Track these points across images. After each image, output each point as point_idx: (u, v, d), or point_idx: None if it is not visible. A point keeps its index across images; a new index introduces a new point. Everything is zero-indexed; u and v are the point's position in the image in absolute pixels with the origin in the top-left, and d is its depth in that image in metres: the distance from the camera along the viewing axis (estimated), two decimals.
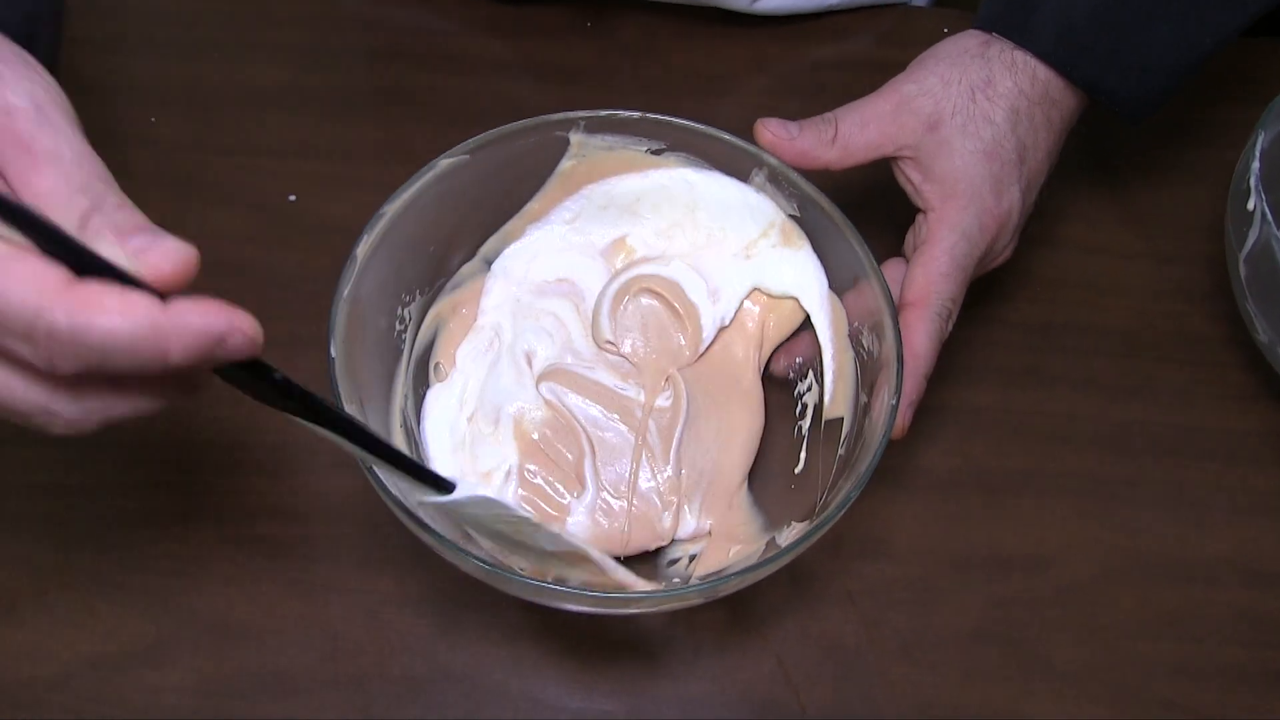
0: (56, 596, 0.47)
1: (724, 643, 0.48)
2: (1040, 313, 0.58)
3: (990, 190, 0.47)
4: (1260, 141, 0.50)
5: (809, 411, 0.50)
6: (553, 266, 0.52)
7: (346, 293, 0.44)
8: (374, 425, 0.44)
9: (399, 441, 0.46)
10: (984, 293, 0.57)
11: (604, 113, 0.49)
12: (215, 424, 0.52)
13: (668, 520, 0.48)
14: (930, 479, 0.52)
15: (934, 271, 0.46)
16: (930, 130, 0.47)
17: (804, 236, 0.50)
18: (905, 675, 0.47)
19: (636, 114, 0.49)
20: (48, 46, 0.45)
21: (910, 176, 0.48)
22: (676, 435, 0.49)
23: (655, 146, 0.50)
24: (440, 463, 0.48)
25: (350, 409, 0.42)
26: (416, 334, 0.50)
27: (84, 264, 0.28)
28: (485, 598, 0.48)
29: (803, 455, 0.49)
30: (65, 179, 0.30)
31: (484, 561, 0.40)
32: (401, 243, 0.47)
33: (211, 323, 0.29)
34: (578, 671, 0.47)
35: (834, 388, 0.48)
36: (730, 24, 0.66)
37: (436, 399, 0.50)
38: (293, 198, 0.58)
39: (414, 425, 0.49)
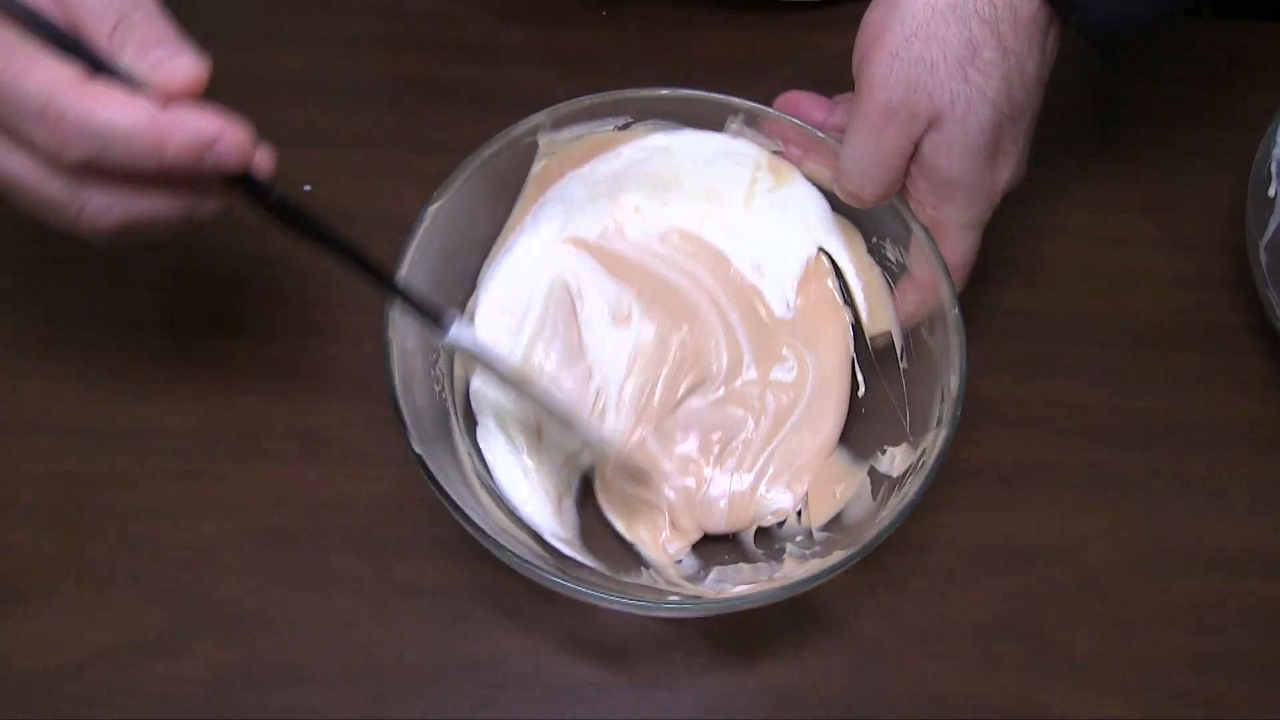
0: (69, 587, 0.47)
1: (741, 633, 0.48)
2: (1056, 302, 0.57)
3: (989, 171, 0.46)
4: None
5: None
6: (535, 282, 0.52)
7: (398, 381, 0.43)
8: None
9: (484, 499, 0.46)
10: (998, 282, 0.57)
11: (564, 105, 0.49)
12: (227, 414, 0.51)
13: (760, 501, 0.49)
14: (946, 470, 0.51)
15: (948, 265, 0.47)
16: (933, 128, 0.44)
17: (794, 168, 0.50)
18: (923, 666, 0.47)
19: (596, 97, 0.49)
20: None
21: (909, 168, 0.46)
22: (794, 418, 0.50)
23: (622, 122, 0.50)
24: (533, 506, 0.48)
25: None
26: (453, 388, 0.50)
27: (101, 69, 0.33)
28: (500, 588, 0.48)
29: (860, 378, 0.51)
30: None
31: (521, 556, 0.41)
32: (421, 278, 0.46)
33: (205, 126, 0.34)
34: (593, 663, 0.47)
35: (869, 305, 0.50)
36: (750, 11, 0.65)
37: (489, 448, 0.49)
38: (308, 186, 0.58)
39: (489, 480, 0.48)
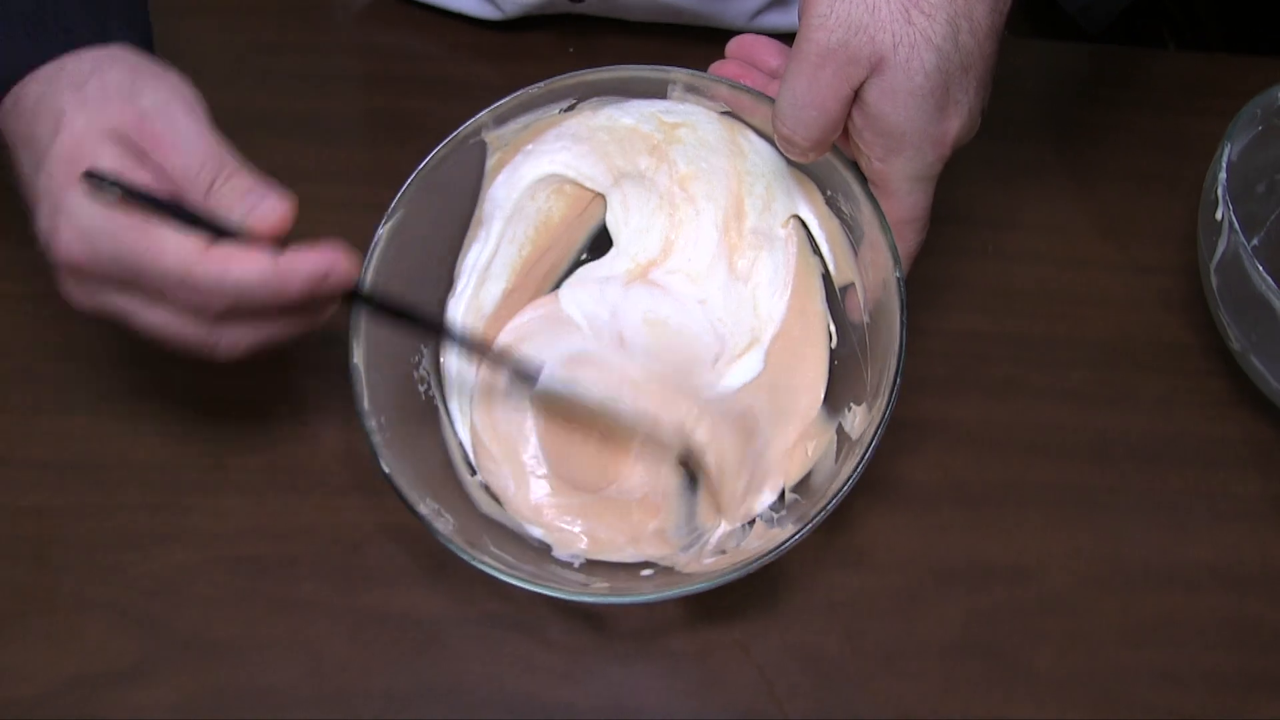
0: (39, 618, 0.47)
1: (705, 653, 0.48)
2: (1019, 325, 0.58)
3: (937, 120, 0.44)
4: (1228, 152, 0.51)
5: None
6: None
7: (367, 406, 0.45)
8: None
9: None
10: (963, 307, 0.58)
11: (504, 101, 0.50)
12: (197, 445, 0.52)
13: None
14: (911, 491, 0.52)
15: (896, 221, 0.46)
16: (876, 73, 0.43)
17: (744, 126, 0.51)
18: (887, 685, 0.47)
19: (536, 87, 0.50)
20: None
21: (853, 118, 0.45)
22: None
23: (566, 105, 0.52)
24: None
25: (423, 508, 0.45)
26: (440, 383, 0.52)
27: (212, 228, 0.40)
28: (466, 615, 0.48)
29: (831, 328, 0.52)
30: (189, 162, 0.42)
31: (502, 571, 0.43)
32: (383, 319, 0.48)
33: (315, 265, 0.41)
34: (558, 687, 0.47)
35: (833, 255, 0.51)
36: (721, 43, 0.67)
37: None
38: (295, 198, 0.59)
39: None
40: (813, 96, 0.44)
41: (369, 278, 0.47)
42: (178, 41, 0.66)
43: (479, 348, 0.51)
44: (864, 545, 0.51)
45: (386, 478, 0.44)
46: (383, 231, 0.48)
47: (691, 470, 0.50)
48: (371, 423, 0.45)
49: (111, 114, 0.41)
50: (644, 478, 0.51)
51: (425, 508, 0.44)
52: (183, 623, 0.48)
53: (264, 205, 0.42)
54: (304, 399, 0.54)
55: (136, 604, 0.48)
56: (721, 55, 0.52)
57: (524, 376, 0.51)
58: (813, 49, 0.43)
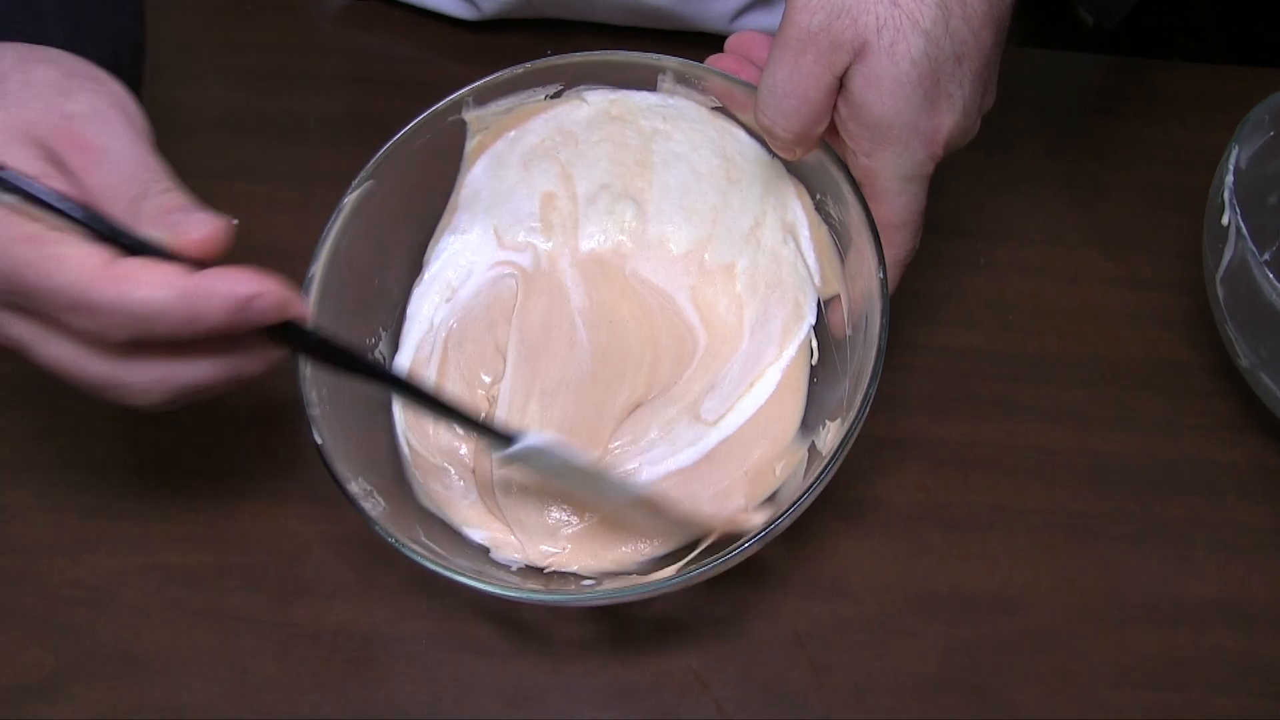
0: None
1: (660, 685, 0.44)
2: (1012, 341, 0.55)
3: (926, 113, 0.41)
4: (1235, 155, 0.48)
5: None
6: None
7: (309, 373, 0.42)
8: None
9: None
10: (953, 321, 0.55)
11: (486, 81, 0.48)
12: (134, 448, 0.49)
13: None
14: (889, 513, 0.49)
15: (886, 224, 0.43)
16: (859, 59, 0.40)
17: (735, 124, 0.48)
18: None
19: (521, 68, 0.48)
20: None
21: (838, 109, 0.42)
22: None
23: (553, 90, 0.49)
24: None
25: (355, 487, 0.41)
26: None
27: (126, 244, 0.33)
28: (402, 634, 0.45)
29: (813, 345, 0.48)
30: (116, 172, 0.35)
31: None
32: (341, 296, 0.46)
33: (236, 287, 0.33)
34: (499, 716, 0.44)
35: (819, 265, 0.47)
36: (702, 46, 0.64)
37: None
38: (235, 221, 0.57)
39: None
40: (794, 84, 0.41)
41: (327, 247, 0.44)
42: (152, 39, 0.65)
43: (443, 409, 0.41)
44: (835, 571, 0.47)
45: (317, 449, 0.41)
46: (347, 201, 0.46)
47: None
48: (312, 393, 0.41)
49: (31, 114, 0.36)
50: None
51: (356, 487, 0.40)
52: (105, 634, 0.45)
53: (191, 219, 0.34)
54: (251, 401, 0.51)
55: (57, 613, 0.45)
56: (701, 59, 0.50)
57: (495, 442, 0.42)
58: (793, 33, 0.40)
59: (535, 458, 0.42)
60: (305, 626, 0.45)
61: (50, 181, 0.34)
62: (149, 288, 0.32)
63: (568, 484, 0.45)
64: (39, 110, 0.36)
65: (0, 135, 0.35)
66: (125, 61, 0.46)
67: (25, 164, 0.35)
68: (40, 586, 0.46)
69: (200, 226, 0.34)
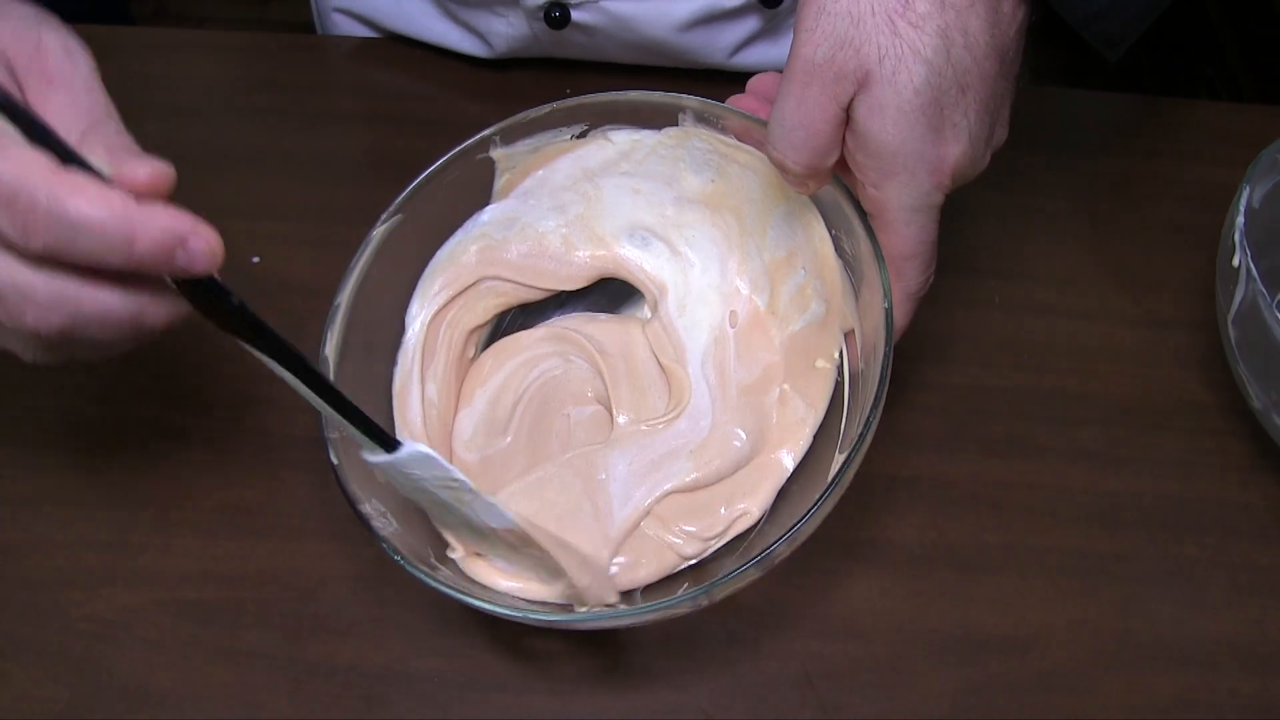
0: None
1: None
2: (1025, 380, 0.54)
3: (931, 143, 0.41)
4: (1246, 196, 0.48)
5: None
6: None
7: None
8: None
9: None
10: (966, 360, 0.55)
11: (513, 120, 0.49)
12: (154, 484, 0.50)
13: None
14: (900, 554, 0.49)
15: (896, 256, 0.43)
16: (863, 89, 0.40)
17: (752, 151, 0.49)
18: None
19: (546, 108, 0.49)
20: None
21: (846, 141, 0.42)
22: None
23: (578, 130, 0.50)
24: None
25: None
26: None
27: (71, 161, 0.32)
28: (414, 672, 0.45)
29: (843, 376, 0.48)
30: (74, 103, 0.36)
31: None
32: (366, 326, 0.47)
33: (176, 223, 0.33)
34: None
35: (831, 301, 0.47)
36: (709, 83, 0.65)
37: None
38: (256, 259, 0.58)
39: None
40: (800, 116, 0.41)
41: (354, 278, 0.46)
42: (170, 77, 0.67)
43: (338, 401, 0.38)
44: (846, 612, 0.47)
45: (333, 470, 0.41)
46: (375, 234, 0.47)
47: None
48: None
49: (2, 34, 0.37)
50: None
51: (369, 508, 0.41)
52: (119, 669, 0.45)
53: (141, 160, 0.34)
54: (267, 439, 0.52)
55: (73, 647, 0.46)
56: (711, 97, 0.50)
57: (376, 446, 0.39)
58: (799, 65, 0.41)
59: (413, 467, 0.40)
60: (318, 663, 0.45)
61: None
62: (91, 199, 0.32)
63: (438, 501, 0.42)
64: (8, 31, 0.37)
65: None
66: None
67: None
68: (57, 621, 0.46)
69: (144, 167, 0.34)
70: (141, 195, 0.33)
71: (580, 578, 0.42)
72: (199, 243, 0.33)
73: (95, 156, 0.34)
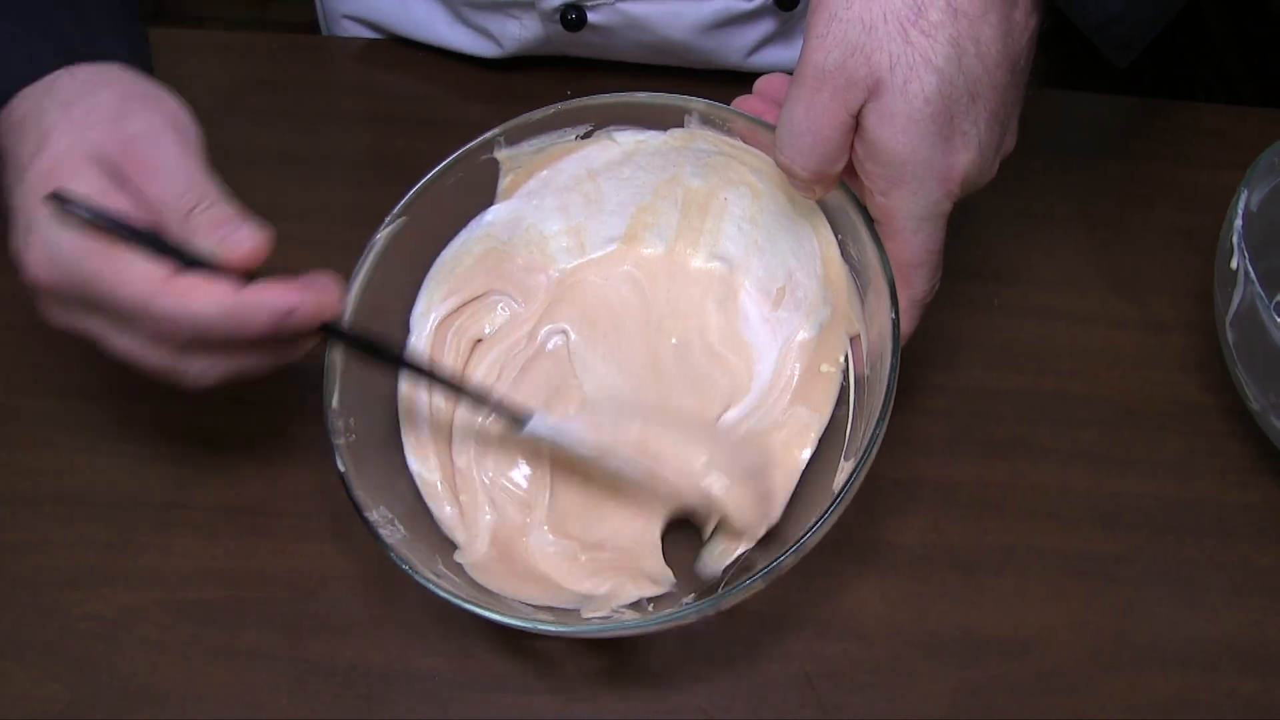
0: None
1: None
2: (1025, 382, 0.55)
3: (941, 151, 0.41)
4: (1244, 199, 0.48)
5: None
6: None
7: (336, 404, 0.44)
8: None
9: None
10: (967, 363, 0.55)
11: (517, 121, 0.49)
12: (156, 483, 0.50)
13: None
14: (901, 555, 0.49)
15: (903, 264, 0.43)
16: (873, 96, 0.40)
17: (758, 154, 0.49)
18: None
19: (551, 109, 0.49)
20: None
21: (855, 148, 0.42)
22: None
23: (583, 131, 0.50)
24: None
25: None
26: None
27: (183, 258, 0.38)
28: (415, 671, 0.45)
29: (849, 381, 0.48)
30: (173, 186, 0.40)
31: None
32: (368, 327, 0.47)
33: (279, 301, 0.39)
34: None
35: (838, 306, 0.48)
36: (721, 84, 0.65)
37: None
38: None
39: None
40: (809, 122, 0.41)
41: (359, 281, 0.46)
42: (171, 78, 0.67)
43: (459, 388, 0.46)
44: (846, 613, 0.47)
45: (340, 476, 0.42)
46: (380, 236, 0.47)
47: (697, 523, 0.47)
48: (338, 423, 0.43)
49: (96, 136, 0.40)
50: (633, 530, 0.48)
51: (375, 515, 0.41)
52: (121, 668, 0.45)
53: (237, 234, 0.40)
54: (270, 439, 0.52)
55: (75, 647, 0.46)
56: (721, 98, 0.50)
57: (512, 421, 0.46)
58: (809, 71, 0.41)
59: (544, 434, 0.46)
60: (319, 662, 0.45)
61: (113, 198, 0.39)
62: (203, 302, 0.38)
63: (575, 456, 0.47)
64: (102, 132, 0.41)
65: (73, 158, 0.40)
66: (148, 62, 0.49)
67: (93, 184, 0.39)
68: (58, 620, 0.46)
69: (245, 241, 0.40)
70: (248, 265, 0.40)
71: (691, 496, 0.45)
72: (302, 316, 0.40)
73: (201, 238, 0.39)
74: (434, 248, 0.51)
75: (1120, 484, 0.51)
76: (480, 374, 0.51)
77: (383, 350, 0.45)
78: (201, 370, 0.41)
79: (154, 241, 0.38)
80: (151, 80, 0.44)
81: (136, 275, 0.38)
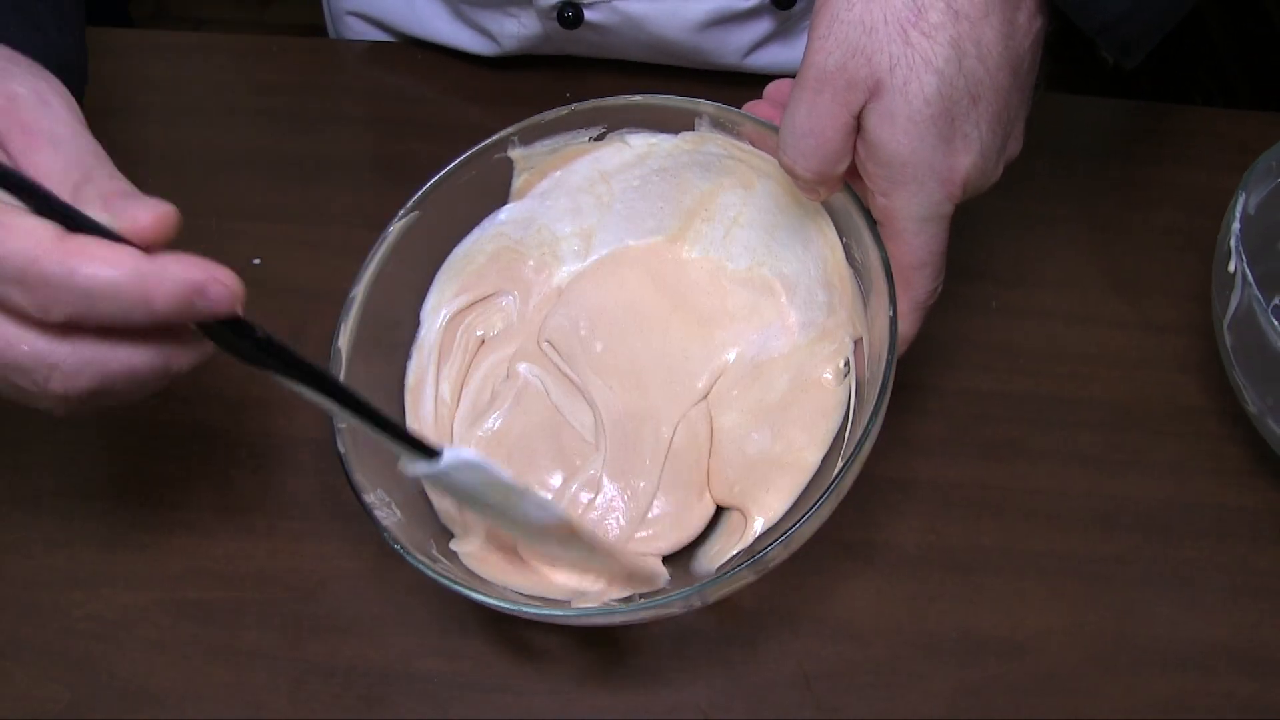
0: None
1: None
2: (1024, 384, 0.55)
3: (942, 153, 0.41)
4: (1242, 202, 0.48)
5: None
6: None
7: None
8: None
9: None
10: (964, 365, 0.55)
11: (531, 120, 0.49)
12: (155, 483, 0.50)
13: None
14: (898, 556, 0.49)
15: (905, 265, 0.43)
16: (874, 98, 0.40)
17: (767, 157, 0.49)
18: None
19: (565, 109, 0.50)
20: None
21: (857, 149, 0.42)
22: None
23: (596, 133, 0.50)
24: None
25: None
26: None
27: (74, 223, 0.31)
28: (415, 672, 0.45)
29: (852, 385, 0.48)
30: (60, 155, 0.34)
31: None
32: (378, 321, 0.47)
33: (192, 273, 0.31)
34: None
35: (843, 308, 0.48)
36: (720, 84, 0.65)
37: None
38: (257, 261, 0.58)
39: None
40: (811, 123, 0.41)
41: (369, 272, 0.46)
42: (172, 79, 0.67)
43: (374, 417, 0.36)
44: (843, 613, 0.47)
45: (339, 458, 0.42)
46: (393, 229, 0.47)
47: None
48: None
49: None
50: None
51: (372, 497, 0.41)
52: (120, 668, 0.45)
53: (140, 203, 0.33)
54: (267, 439, 0.52)
55: (74, 647, 0.46)
56: (721, 97, 0.50)
57: (423, 453, 0.38)
58: (811, 73, 0.41)
59: (459, 474, 0.38)
60: (319, 662, 0.46)
61: None
62: (102, 264, 0.31)
63: (486, 504, 0.41)
64: None
65: None
66: (74, 77, 0.45)
67: None
68: (57, 620, 0.46)
69: (146, 212, 0.32)
70: (149, 241, 0.32)
71: (626, 563, 0.43)
72: (217, 288, 0.32)
73: (93, 209, 0.32)
74: (445, 244, 0.51)
75: (1118, 485, 0.51)
76: (476, 381, 0.51)
77: (299, 364, 0.35)
78: (77, 365, 0.33)
79: (48, 202, 0.31)
80: (36, 62, 0.38)
81: (23, 230, 0.31)
